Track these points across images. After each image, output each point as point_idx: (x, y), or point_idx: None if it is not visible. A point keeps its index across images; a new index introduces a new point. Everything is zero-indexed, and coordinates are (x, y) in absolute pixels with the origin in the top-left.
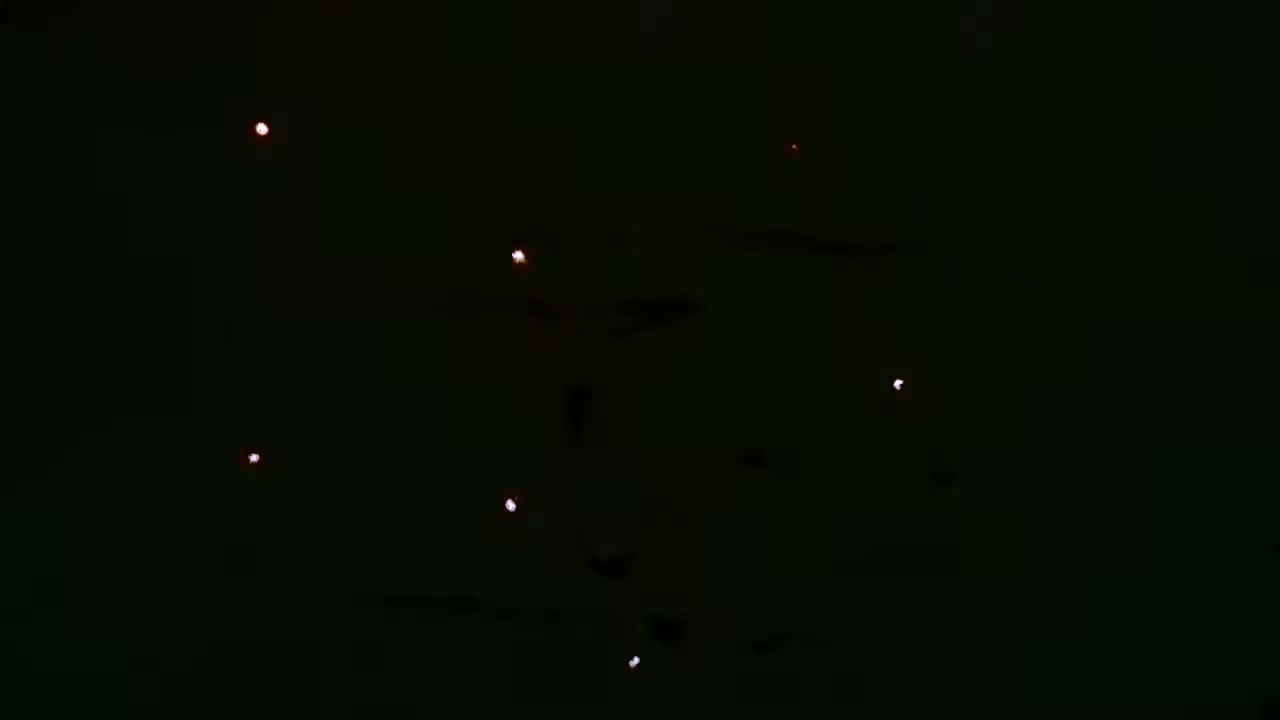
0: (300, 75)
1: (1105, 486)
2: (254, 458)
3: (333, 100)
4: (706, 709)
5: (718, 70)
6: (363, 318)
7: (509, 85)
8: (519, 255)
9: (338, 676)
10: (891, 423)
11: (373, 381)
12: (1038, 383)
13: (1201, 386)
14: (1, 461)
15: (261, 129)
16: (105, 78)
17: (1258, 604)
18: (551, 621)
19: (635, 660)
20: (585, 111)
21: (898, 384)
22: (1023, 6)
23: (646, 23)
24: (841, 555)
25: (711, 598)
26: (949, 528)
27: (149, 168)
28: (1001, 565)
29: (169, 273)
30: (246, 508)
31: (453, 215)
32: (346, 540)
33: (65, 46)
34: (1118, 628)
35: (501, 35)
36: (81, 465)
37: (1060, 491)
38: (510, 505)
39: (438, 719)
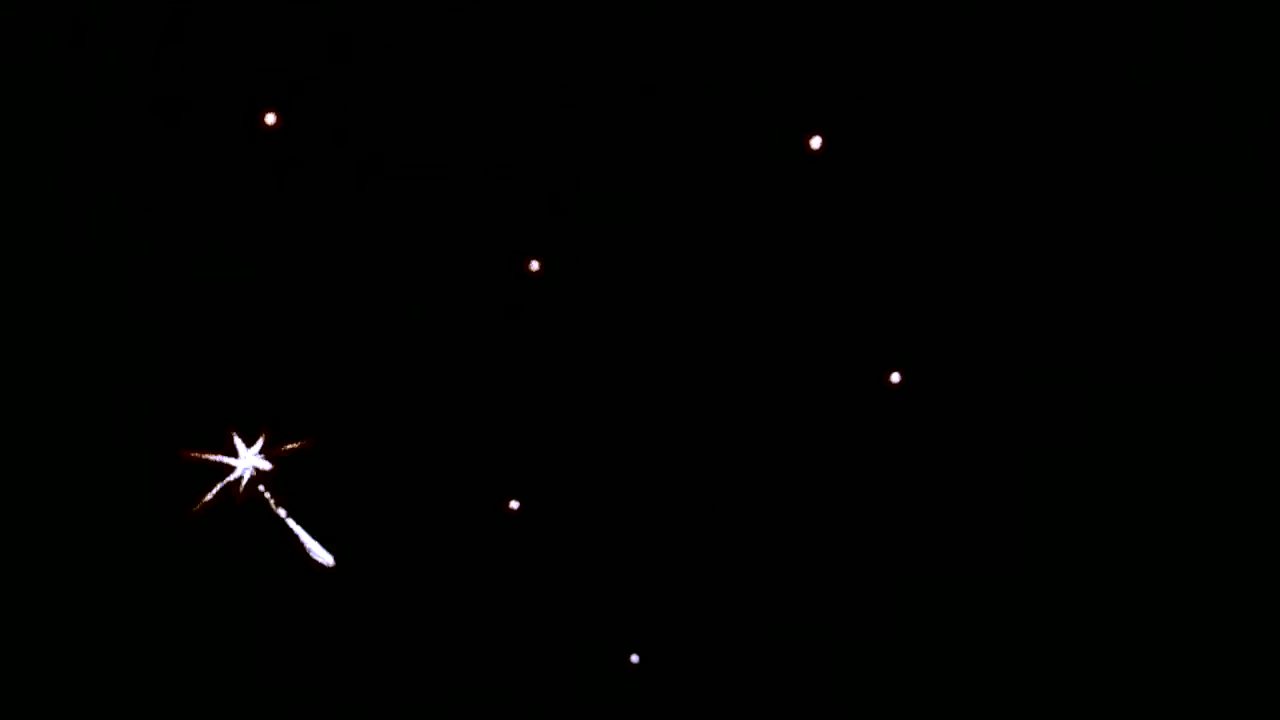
0: (306, 71)
1: (1108, 486)
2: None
3: (340, 97)
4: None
5: (718, 69)
6: (365, 318)
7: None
8: (534, 265)
9: (336, 676)
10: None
11: (375, 382)
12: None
13: (1206, 387)
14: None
15: (270, 119)
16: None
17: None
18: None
19: (635, 657)
20: (589, 108)
21: (895, 378)
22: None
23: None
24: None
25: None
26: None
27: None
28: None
29: (167, 269)
30: (245, 509)
31: (460, 217)
32: (346, 541)
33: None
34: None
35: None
36: (79, 465)
37: (1061, 490)
38: (514, 505)
39: (436, 717)
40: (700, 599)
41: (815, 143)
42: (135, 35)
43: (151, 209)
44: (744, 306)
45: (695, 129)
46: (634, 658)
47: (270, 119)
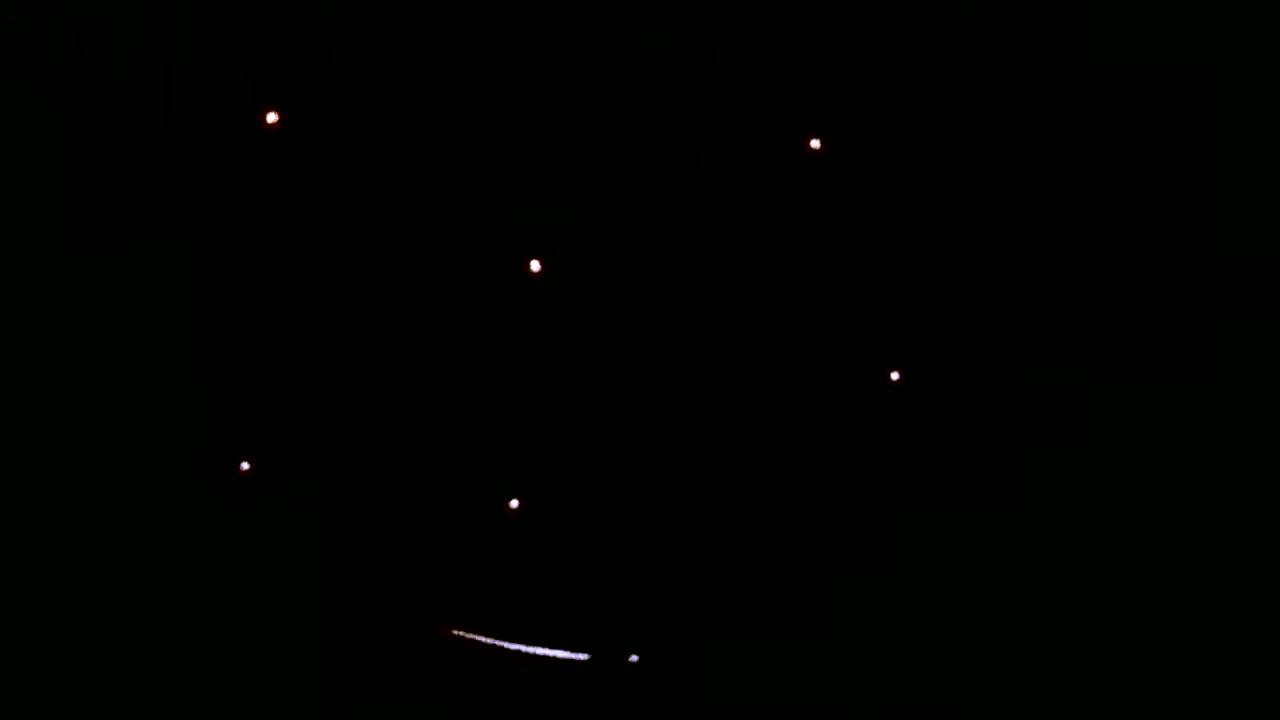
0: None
1: (1111, 484)
2: (245, 465)
3: (342, 95)
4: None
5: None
6: (367, 318)
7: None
8: (535, 265)
9: (335, 680)
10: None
11: (376, 382)
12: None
13: (1209, 383)
14: (0, 464)
15: (271, 117)
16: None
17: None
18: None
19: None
20: (589, 108)
21: (894, 375)
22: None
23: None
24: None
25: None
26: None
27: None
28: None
29: (166, 268)
30: (243, 511)
31: (462, 217)
32: (344, 545)
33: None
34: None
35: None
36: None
37: (1061, 490)
38: (513, 504)
39: (436, 717)
40: (699, 598)
41: (815, 144)
42: (133, 34)
43: (151, 209)
44: (744, 306)
45: (695, 129)
46: (633, 657)
47: (271, 117)
